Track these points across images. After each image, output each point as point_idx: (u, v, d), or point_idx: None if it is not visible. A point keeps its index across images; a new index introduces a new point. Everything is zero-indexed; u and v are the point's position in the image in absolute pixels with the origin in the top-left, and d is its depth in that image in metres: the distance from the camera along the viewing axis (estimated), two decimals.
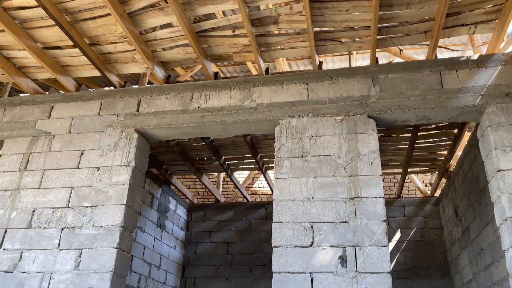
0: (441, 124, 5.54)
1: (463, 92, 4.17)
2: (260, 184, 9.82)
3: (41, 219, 4.41)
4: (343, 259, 3.71)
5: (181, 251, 7.95)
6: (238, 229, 8.10)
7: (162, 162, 7.12)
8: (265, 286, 7.50)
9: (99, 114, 4.89)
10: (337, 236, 3.80)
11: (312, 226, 3.90)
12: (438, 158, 6.58)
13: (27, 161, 4.77)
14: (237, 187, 7.79)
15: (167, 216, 7.43)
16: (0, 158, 4.88)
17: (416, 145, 6.07)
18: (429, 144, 6.12)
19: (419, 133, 5.69)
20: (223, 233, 8.12)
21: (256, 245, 7.89)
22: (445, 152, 6.35)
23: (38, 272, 4.16)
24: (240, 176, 10.02)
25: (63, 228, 4.32)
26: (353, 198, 3.94)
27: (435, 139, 5.93)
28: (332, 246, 3.78)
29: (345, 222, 3.86)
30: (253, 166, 7.29)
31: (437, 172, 7.13)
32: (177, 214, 7.90)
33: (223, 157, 6.90)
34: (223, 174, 9.36)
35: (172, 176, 7.55)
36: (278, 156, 4.30)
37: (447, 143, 6.02)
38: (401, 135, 5.87)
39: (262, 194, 9.72)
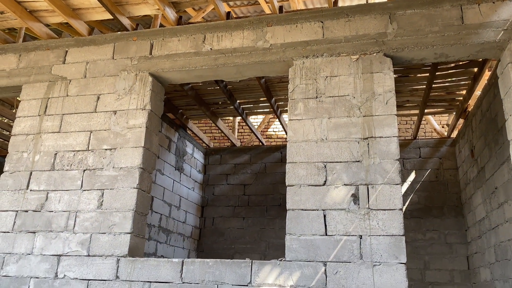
0: (460, 63, 5.38)
1: (485, 27, 4.00)
2: (275, 128, 9.88)
3: (63, 162, 4.58)
4: (355, 197, 3.80)
5: (200, 193, 8.22)
6: (254, 171, 8.28)
7: (177, 107, 7.18)
8: (280, 224, 7.78)
9: (113, 58, 4.89)
10: (350, 175, 3.87)
11: (325, 166, 3.96)
12: (456, 98, 6.45)
13: (46, 106, 4.88)
14: (252, 131, 7.85)
15: (184, 160, 7.61)
16: (20, 104, 4.99)
17: (434, 85, 5.94)
18: (447, 84, 5.98)
19: (437, 73, 5.55)
20: (239, 175, 8.31)
21: (271, 187, 8.09)
22: (464, 92, 6.22)
23: (64, 211, 4.39)
24: (255, 120, 10.07)
25: (84, 170, 4.49)
26: (367, 138, 3.95)
27: (454, 79, 5.78)
28: (344, 184, 3.86)
29: (358, 161, 3.90)
30: (268, 109, 7.29)
31: (454, 113, 7.03)
32: (194, 158, 8.08)
33: (238, 101, 6.91)
34: (238, 119, 9.40)
35: (188, 120, 7.64)
36: (292, 98, 4.29)
37: (466, 82, 5.88)
38: (418, 75, 5.75)
39: (277, 138, 9.80)
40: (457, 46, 4.05)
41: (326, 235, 3.74)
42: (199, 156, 8.31)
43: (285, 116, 8.72)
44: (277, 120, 9.57)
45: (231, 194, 8.23)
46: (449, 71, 5.59)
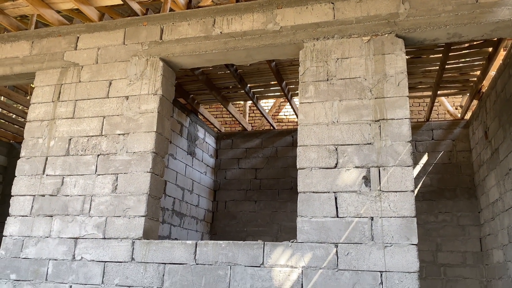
0: (474, 43, 5.29)
1: (500, 5, 3.91)
2: (286, 112, 9.86)
3: (78, 147, 4.66)
4: (367, 179, 3.80)
5: (212, 177, 8.30)
6: (265, 155, 8.31)
7: (188, 92, 7.20)
8: (292, 207, 7.84)
9: (124, 44, 4.91)
10: (361, 158, 3.87)
11: (336, 149, 3.97)
12: (470, 79, 6.36)
13: (59, 92, 4.94)
14: (263, 115, 7.86)
15: (196, 144, 7.67)
16: (34, 90, 5.07)
17: (447, 66, 5.86)
18: (461, 65, 5.89)
19: (450, 53, 5.46)
20: (251, 159, 8.36)
21: (283, 170, 8.12)
22: (478, 72, 6.12)
23: (79, 195, 4.49)
24: (266, 104, 10.05)
25: (98, 155, 4.57)
26: (378, 120, 3.94)
27: (468, 59, 5.69)
28: (356, 167, 3.86)
29: (370, 144, 3.90)
30: (278, 93, 7.28)
31: (468, 94, 6.94)
32: (206, 142, 8.13)
33: (248, 85, 6.90)
34: (249, 103, 9.40)
35: (199, 105, 7.67)
36: (302, 81, 4.28)
37: (480, 62, 5.78)
38: (431, 56, 5.67)
39: (288, 122, 9.79)
40: (471, 26, 3.98)
41: (338, 217, 3.77)
42: (210, 140, 8.36)
43: (296, 100, 8.69)
44: (288, 103, 9.55)
45: (242, 178, 8.29)
46: (463, 52, 5.50)
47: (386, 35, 4.14)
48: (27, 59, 5.21)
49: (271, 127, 8.61)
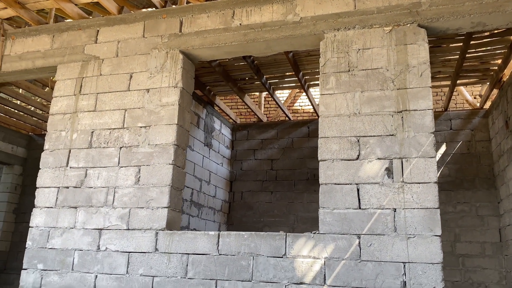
0: (496, 31, 5.20)
1: None
2: (302, 103, 9.82)
3: (100, 140, 4.73)
4: (389, 171, 3.80)
5: (228, 168, 8.35)
6: (281, 146, 8.32)
7: (205, 83, 7.22)
8: (308, 198, 7.86)
9: (144, 36, 4.94)
10: (384, 149, 3.86)
11: (358, 140, 3.96)
12: (491, 68, 6.26)
13: (81, 85, 5.00)
14: (279, 106, 7.85)
15: (213, 136, 7.71)
16: (56, 84, 5.13)
17: (467, 55, 5.78)
18: (481, 54, 5.80)
19: (471, 42, 5.38)
20: (267, 150, 8.38)
21: (299, 161, 8.13)
22: (499, 61, 6.02)
23: (103, 187, 4.56)
24: (282, 95, 10.03)
25: (121, 147, 4.63)
26: (401, 111, 3.91)
27: (489, 48, 5.60)
28: (378, 158, 3.86)
29: (392, 135, 3.88)
30: (294, 84, 7.25)
31: (488, 83, 6.84)
32: (222, 134, 8.17)
33: (265, 76, 6.89)
34: (264, 94, 9.39)
35: (215, 97, 7.69)
36: (323, 72, 4.26)
37: (502, 51, 5.69)
38: (451, 45, 5.59)
39: (304, 112, 9.75)
40: (495, 14, 3.91)
41: (360, 208, 3.78)
42: (226, 132, 8.39)
43: (312, 90, 8.66)
44: (303, 94, 9.51)
45: (259, 169, 8.32)
46: (484, 40, 5.41)
47: (408, 25, 4.10)
48: (49, 53, 5.27)
49: (287, 118, 8.60)
